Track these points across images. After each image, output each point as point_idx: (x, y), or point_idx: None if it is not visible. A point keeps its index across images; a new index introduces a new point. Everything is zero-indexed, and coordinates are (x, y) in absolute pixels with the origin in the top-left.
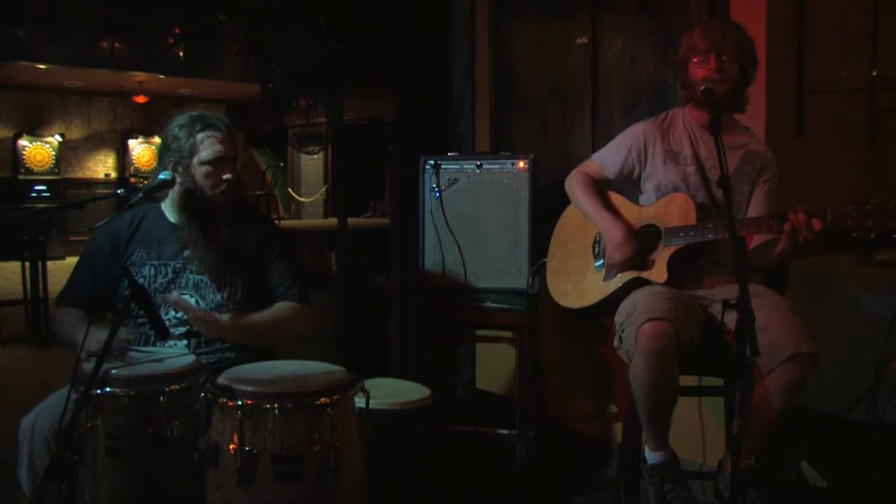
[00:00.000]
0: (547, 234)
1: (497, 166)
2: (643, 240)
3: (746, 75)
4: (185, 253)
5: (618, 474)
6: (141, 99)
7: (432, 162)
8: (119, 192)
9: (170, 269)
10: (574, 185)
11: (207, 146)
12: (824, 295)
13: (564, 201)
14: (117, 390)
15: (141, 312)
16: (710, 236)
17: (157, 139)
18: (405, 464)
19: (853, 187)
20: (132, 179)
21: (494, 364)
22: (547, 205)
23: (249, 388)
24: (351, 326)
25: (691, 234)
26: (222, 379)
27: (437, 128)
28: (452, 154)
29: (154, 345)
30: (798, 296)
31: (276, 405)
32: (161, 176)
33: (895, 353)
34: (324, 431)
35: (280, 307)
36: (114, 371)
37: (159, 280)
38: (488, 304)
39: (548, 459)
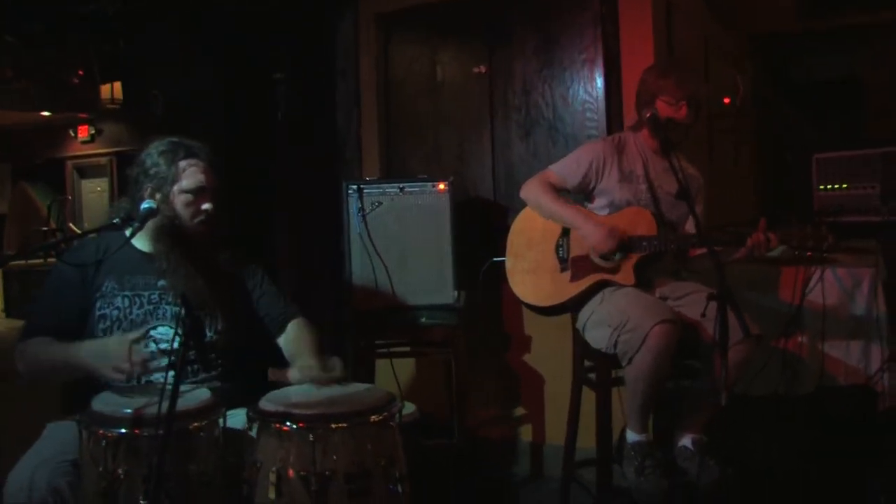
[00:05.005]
0: (467, 250)
1: (418, 189)
2: None
3: (698, 115)
4: (161, 283)
5: (565, 466)
6: None
7: (355, 186)
8: (115, 221)
9: (145, 300)
10: (538, 191)
11: (189, 175)
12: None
13: (473, 220)
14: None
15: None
16: (672, 247)
17: None
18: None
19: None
20: None
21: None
22: None
23: (312, 412)
24: None
25: (655, 243)
26: (269, 405)
27: (320, 155)
28: (371, 178)
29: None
30: None
31: (341, 425)
32: (145, 205)
33: (782, 334)
34: (386, 446)
35: (298, 326)
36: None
37: (135, 311)
38: (423, 320)
39: (475, 463)
